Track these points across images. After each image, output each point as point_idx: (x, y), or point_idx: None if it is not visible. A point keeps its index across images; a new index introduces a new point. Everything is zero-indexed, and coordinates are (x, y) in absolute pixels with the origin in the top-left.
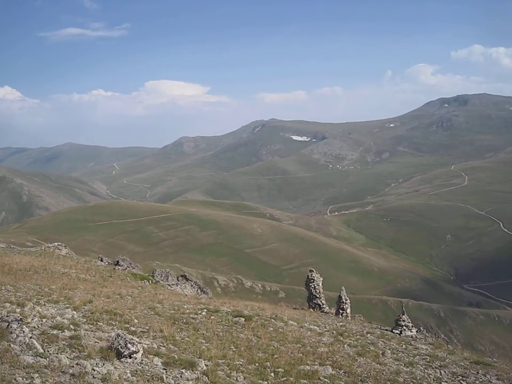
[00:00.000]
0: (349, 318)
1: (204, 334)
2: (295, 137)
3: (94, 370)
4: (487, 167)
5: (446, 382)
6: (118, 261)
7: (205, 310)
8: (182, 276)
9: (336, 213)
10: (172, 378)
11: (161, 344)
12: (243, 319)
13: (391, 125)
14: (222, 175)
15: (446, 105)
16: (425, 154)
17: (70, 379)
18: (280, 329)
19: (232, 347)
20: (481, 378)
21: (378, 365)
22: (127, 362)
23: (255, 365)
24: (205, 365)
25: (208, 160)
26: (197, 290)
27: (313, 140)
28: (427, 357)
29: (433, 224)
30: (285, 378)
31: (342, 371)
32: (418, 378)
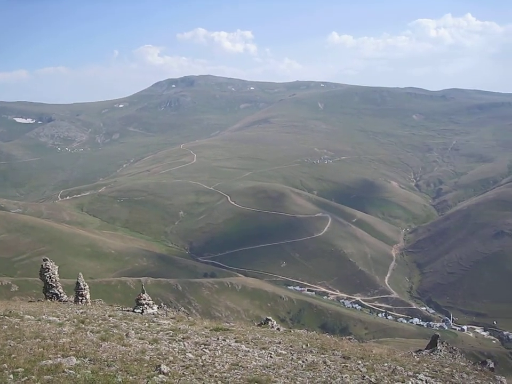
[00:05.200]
0: (89, 303)
1: None
2: (18, 120)
3: None
4: (213, 145)
5: (190, 352)
6: None
7: None
8: None
9: (67, 198)
10: None
11: None
12: None
13: (120, 106)
14: None
15: (174, 85)
16: (155, 134)
17: None
18: (16, 326)
19: None
20: (221, 343)
21: (123, 346)
22: None
23: None
24: None
25: None
26: None
27: (39, 122)
28: (170, 331)
29: (166, 202)
30: (26, 377)
31: (87, 359)
32: (163, 353)
